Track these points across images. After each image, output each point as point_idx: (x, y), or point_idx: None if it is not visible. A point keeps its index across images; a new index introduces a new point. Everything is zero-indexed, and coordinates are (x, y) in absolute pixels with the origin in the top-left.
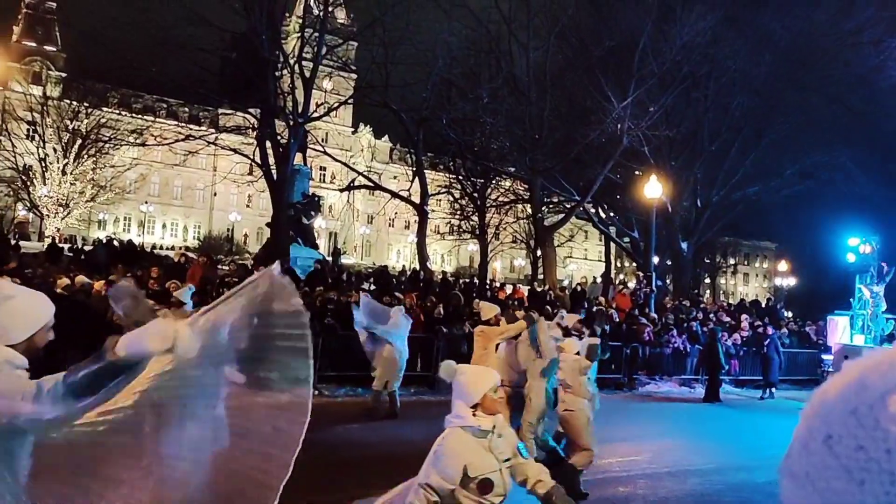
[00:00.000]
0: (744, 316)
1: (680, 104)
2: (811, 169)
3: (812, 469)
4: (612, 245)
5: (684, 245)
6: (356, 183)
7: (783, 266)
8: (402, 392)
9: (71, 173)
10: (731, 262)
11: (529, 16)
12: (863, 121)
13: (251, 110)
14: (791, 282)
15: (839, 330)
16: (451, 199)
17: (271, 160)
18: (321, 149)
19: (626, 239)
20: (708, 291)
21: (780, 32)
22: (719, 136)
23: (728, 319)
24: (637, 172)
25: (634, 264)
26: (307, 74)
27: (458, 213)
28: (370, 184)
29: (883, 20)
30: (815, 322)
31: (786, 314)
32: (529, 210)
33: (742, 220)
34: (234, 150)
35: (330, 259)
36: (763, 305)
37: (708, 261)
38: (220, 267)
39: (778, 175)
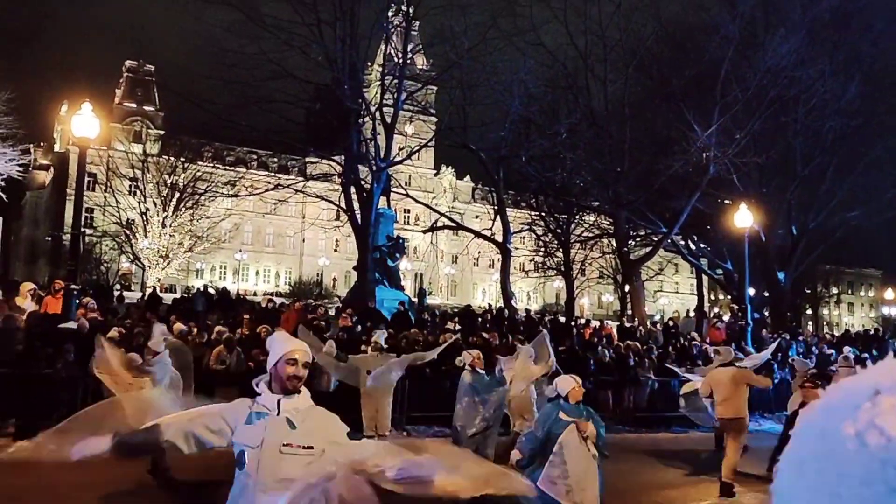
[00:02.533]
0: (846, 348)
1: (768, 129)
2: None
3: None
4: (704, 277)
5: (781, 275)
6: (439, 224)
7: (890, 294)
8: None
9: (170, 225)
10: (834, 291)
11: (606, 50)
12: None
13: (336, 158)
14: None
15: None
16: (535, 235)
17: (356, 205)
18: (404, 192)
19: (719, 270)
20: (810, 323)
21: (868, 52)
22: (812, 160)
23: (831, 352)
24: (726, 202)
25: (729, 297)
26: (388, 120)
27: (542, 249)
28: (452, 224)
29: None
30: None
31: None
32: (615, 244)
33: (843, 247)
34: (321, 197)
35: (416, 300)
36: (870, 335)
37: (808, 291)
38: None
39: (879, 198)
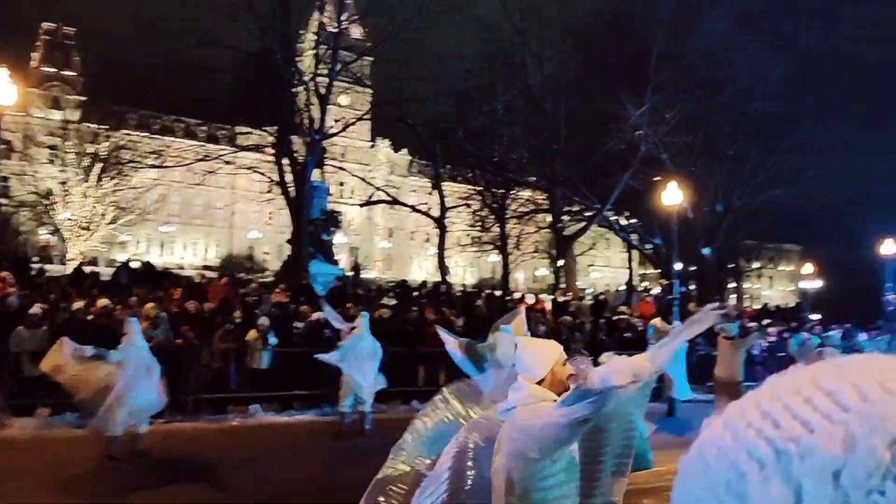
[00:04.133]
0: (766, 321)
1: (698, 110)
2: (833, 171)
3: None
4: (635, 252)
5: (707, 250)
6: (375, 197)
7: (808, 268)
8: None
9: (92, 196)
10: (756, 265)
11: (542, 27)
12: (890, 121)
13: (268, 128)
14: (817, 284)
15: None
16: (471, 210)
17: (289, 177)
18: (338, 164)
19: (649, 246)
20: (733, 296)
21: (795, 37)
22: (738, 141)
23: (753, 324)
24: (657, 179)
25: (658, 271)
26: (322, 91)
27: (479, 224)
28: (389, 198)
29: None
30: (843, 324)
31: (811, 317)
32: (550, 220)
33: (766, 224)
34: (252, 169)
35: (350, 274)
36: (788, 309)
37: (732, 265)
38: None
39: (799, 178)
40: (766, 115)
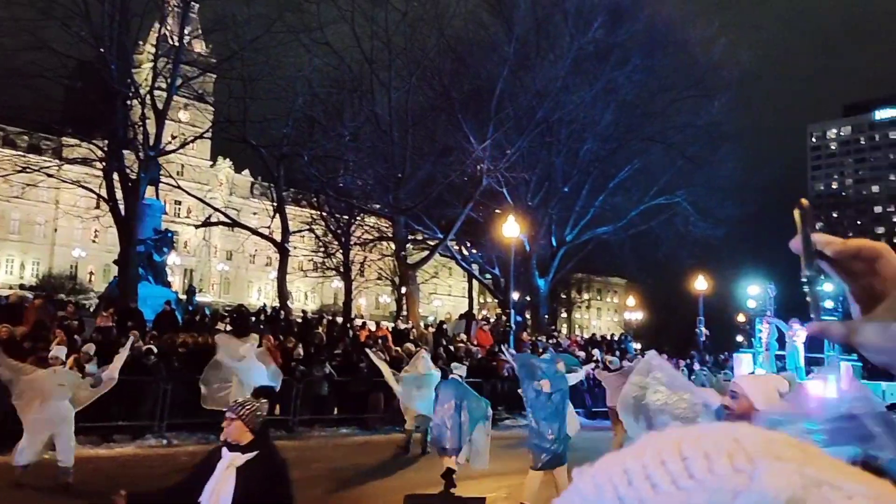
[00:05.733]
0: (594, 350)
1: (535, 147)
2: (652, 210)
3: None
4: (475, 282)
5: (541, 282)
6: (213, 219)
7: (632, 301)
8: None
9: None
10: (586, 297)
11: (391, 57)
12: (700, 168)
13: (97, 142)
14: (639, 315)
15: (743, 365)
16: (315, 235)
17: (119, 194)
18: (175, 183)
19: (488, 276)
20: (565, 326)
21: (623, 84)
22: (571, 178)
23: (581, 354)
24: (497, 211)
25: (496, 300)
26: (160, 106)
27: (322, 250)
28: (228, 220)
29: (719, 78)
30: (660, 354)
31: (634, 347)
32: (393, 247)
33: (594, 258)
34: (78, 183)
35: (184, 297)
36: (613, 339)
37: (564, 296)
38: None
39: (624, 216)
40: (595, 155)
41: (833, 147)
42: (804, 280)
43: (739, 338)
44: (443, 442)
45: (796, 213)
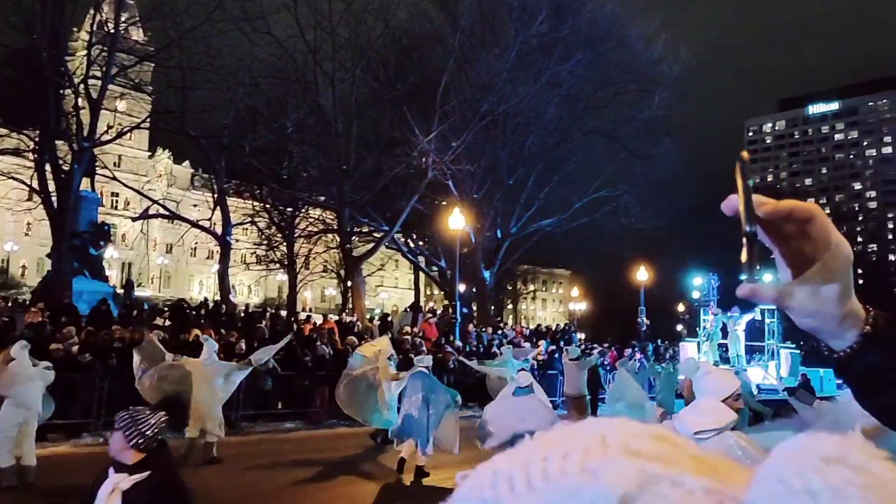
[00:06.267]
0: (541, 341)
1: (480, 140)
2: (595, 203)
3: None
4: (422, 274)
5: (487, 273)
6: (152, 211)
7: (576, 292)
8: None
9: None
10: (531, 288)
11: (335, 48)
12: (642, 161)
13: (28, 132)
14: (583, 306)
15: (688, 353)
16: (258, 228)
17: (52, 185)
18: (111, 174)
19: (435, 268)
20: (510, 317)
21: (566, 78)
22: (516, 171)
23: (527, 344)
24: (443, 204)
25: (442, 292)
26: (94, 95)
27: (265, 242)
28: (167, 212)
29: (660, 73)
30: (602, 343)
31: (578, 337)
32: (338, 240)
33: (539, 249)
34: (9, 175)
35: (122, 292)
36: (558, 329)
37: (509, 288)
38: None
39: (567, 208)
40: (539, 148)
41: (769, 141)
42: (744, 235)
43: (679, 327)
44: (408, 434)
45: (736, 166)
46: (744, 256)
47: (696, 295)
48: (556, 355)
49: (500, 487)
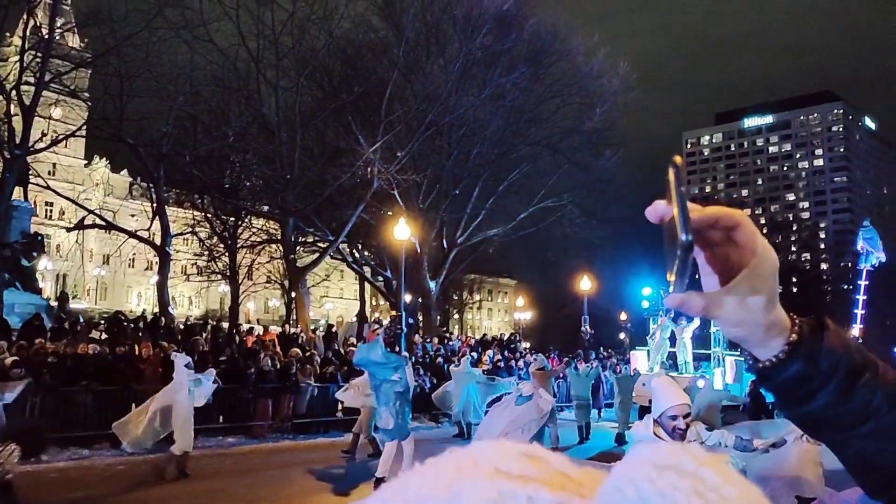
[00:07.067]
0: (488, 352)
1: (426, 150)
2: (540, 213)
3: None
4: (367, 285)
5: (433, 284)
6: (88, 220)
7: (521, 301)
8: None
9: None
10: (477, 298)
11: (278, 56)
12: (585, 172)
13: None
14: (528, 315)
15: (640, 362)
16: (198, 238)
17: None
18: (46, 183)
19: (380, 278)
20: (456, 326)
21: (510, 90)
22: (462, 181)
23: (473, 354)
24: (388, 214)
25: (388, 303)
26: (28, 101)
27: (207, 253)
28: (104, 223)
29: (601, 86)
30: (547, 352)
31: (523, 346)
32: (282, 250)
33: (485, 259)
34: None
35: (56, 304)
36: (504, 338)
37: (455, 297)
38: None
39: (513, 218)
40: (484, 159)
41: (706, 153)
42: (680, 245)
43: (622, 335)
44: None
45: (670, 172)
46: (674, 267)
47: (644, 304)
48: (501, 364)
49: None
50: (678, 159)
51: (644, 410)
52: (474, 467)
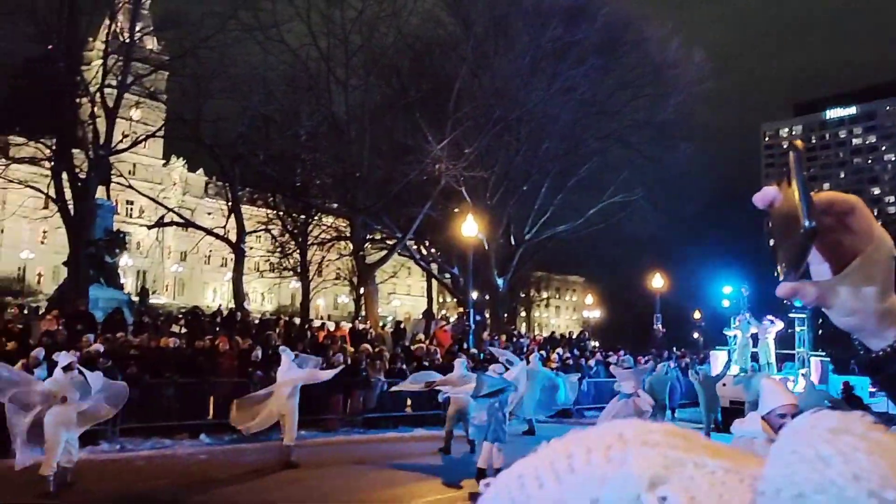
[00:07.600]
0: (558, 350)
1: (494, 146)
2: (610, 208)
3: None
4: (434, 281)
5: (500, 281)
6: (167, 219)
7: (590, 299)
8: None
9: None
10: (545, 295)
11: (348, 55)
12: (657, 166)
13: (45, 140)
14: (597, 314)
15: (719, 362)
16: (271, 236)
17: (69, 194)
18: (127, 182)
19: (447, 275)
20: (524, 324)
21: (580, 82)
22: (530, 177)
23: (542, 352)
24: (456, 210)
25: (455, 300)
26: (110, 104)
27: (279, 250)
28: (182, 220)
29: (674, 77)
30: (617, 351)
31: (592, 345)
32: (351, 247)
33: (553, 256)
34: (26, 183)
35: (137, 300)
36: (572, 337)
37: (523, 295)
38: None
39: (582, 214)
40: (553, 154)
41: (785, 146)
42: (803, 232)
43: (696, 335)
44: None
45: (791, 156)
46: (792, 255)
47: (725, 303)
48: (570, 362)
49: (529, 486)
50: (799, 143)
51: (725, 412)
52: (622, 441)
